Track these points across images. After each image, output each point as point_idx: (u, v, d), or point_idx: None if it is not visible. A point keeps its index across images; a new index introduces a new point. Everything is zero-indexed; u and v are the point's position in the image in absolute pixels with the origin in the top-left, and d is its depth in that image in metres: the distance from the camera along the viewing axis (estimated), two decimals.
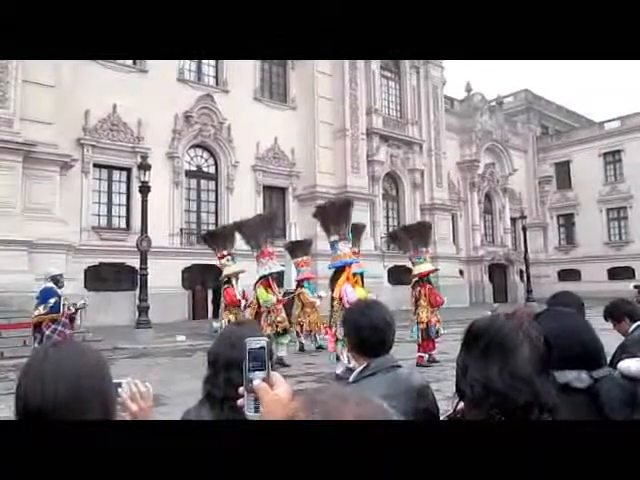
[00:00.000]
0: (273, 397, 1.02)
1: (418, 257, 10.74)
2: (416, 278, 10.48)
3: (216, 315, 13.28)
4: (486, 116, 34.50)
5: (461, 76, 63.39)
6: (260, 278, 10.42)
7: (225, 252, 11.54)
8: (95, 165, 19.31)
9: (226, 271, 11.16)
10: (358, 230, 12.27)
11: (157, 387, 8.50)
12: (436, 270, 10.99)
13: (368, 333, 1.93)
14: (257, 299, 10.41)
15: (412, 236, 11.17)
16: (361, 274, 11.41)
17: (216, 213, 22.30)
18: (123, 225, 19.93)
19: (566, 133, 40.22)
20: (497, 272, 33.54)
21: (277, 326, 10.16)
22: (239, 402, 1.11)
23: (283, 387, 1.06)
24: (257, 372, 1.07)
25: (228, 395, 1.29)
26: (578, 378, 1.59)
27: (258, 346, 1.10)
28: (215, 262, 12.52)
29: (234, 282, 11.08)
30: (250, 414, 1.07)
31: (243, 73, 22.67)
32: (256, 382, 1.05)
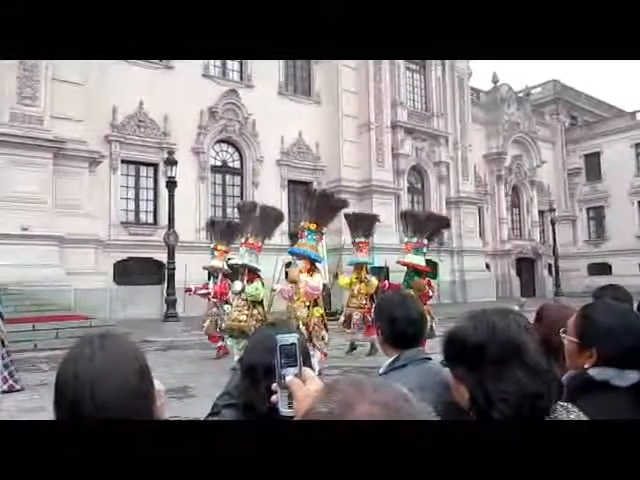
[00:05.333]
0: (306, 393, 1.03)
1: (421, 248, 10.22)
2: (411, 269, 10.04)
3: None
4: (513, 107, 33.89)
5: (487, 67, 62.36)
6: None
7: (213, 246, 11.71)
8: (123, 161, 19.59)
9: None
10: (370, 222, 12.07)
11: (185, 379, 8.64)
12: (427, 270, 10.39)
13: (404, 326, 1.92)
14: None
15: (432, 225, 10.72)
16: (362, 264, 11.41)
17: None
18: (150, 220, 20.20)
19: (596, 124, 39.26)
20: (525, 266, 33.04)
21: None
22: (272, 398, 1.11)
23: (315, 382, 1.06)
24: (289, 368, 1.08)
25: (274, 407, 1.11)
26: (619, 376, 1.49)
27: (289, 342, 1.10)
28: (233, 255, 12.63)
29: (215, 277, 11.27)
30: (284, 410, 1.08)
31: (267, 68, 22.71)
32: (289, 378, 1.06)
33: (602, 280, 26.47)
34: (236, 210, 20.24)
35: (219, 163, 22.35)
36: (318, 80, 25.07)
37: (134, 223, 19.77)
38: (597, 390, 1.46)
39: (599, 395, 1.43)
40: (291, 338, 1.11)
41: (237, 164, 22.83)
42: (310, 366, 1.21)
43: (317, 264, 9.04)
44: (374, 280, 11.19)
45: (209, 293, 11.23)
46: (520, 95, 35.62)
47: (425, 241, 10.29)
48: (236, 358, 9.01)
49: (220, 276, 11.26)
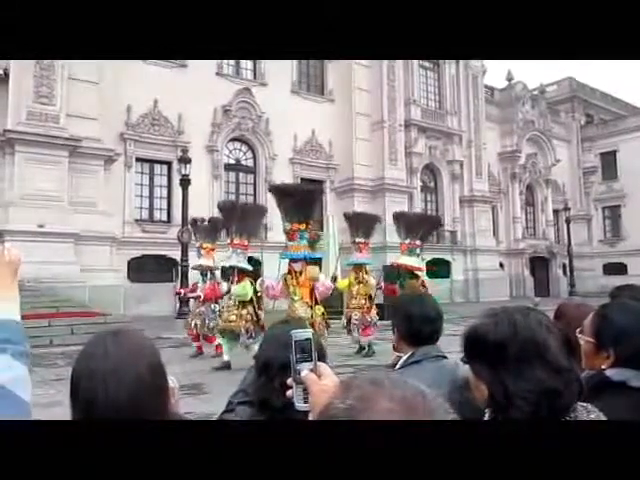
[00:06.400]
0: (321, 388, 1.03)
1: (415, 249, 10.42)
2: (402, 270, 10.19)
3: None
4: (528, 105, 33.59)
5: (502, 65, 61.80)
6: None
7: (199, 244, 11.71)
8: (137, 159, 19.74)
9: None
10: (372, 222, 11.98)
11: (198, 376, 8.67)
12: (419, 270, 10.48)
13: (420, 324, 1.93)
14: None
15: (424, 226, 10.89)
16: (361, 265, 11.33)
17: None
18: (164, 218, 20.34)
19: (612, 122, 38.78)
20: (539, 265, 32.77)
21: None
22: (288, 393, 1.12)
23: (330, 378, 1.07)
24: (304, 363, 1.08)
25: (289, 402, 1.12)
26: (637, 377, 1.48)
27: (304, 337, 1.10)
28: (253, 254, 12.56)
29: (205, 275, 11.25)
30: (299, 405, 1.08)
31: (281, 66, 22.73)
32: (304, 373, 1.07)
33: (617, 280, 26.20)
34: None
35: (232, 161, 22.43)
36: (331, 78, 25.06)
37: (148, 221, 19.92)
38: (614, 391, 1.45)
39: (616, 396, 1.42)
40: (306, 333, 1.11)
41: (250, 162, 22.90)
42: (325, 362, 1.22)
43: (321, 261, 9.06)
44: (372, 280, 11.13)
45: (199, 296, 11.17)
46: (535, 93, 35.28)
47: (418, 242, 10.54)
48: (226, 358, 9.07)
49: (209, 274, 11.22)
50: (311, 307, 8.65)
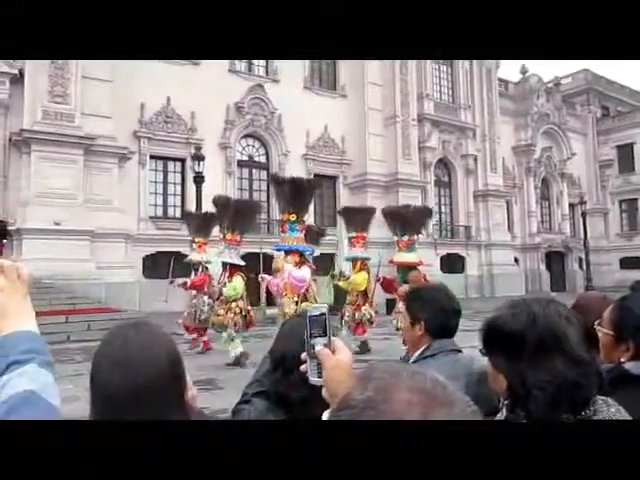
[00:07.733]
0: (335, 362, 1.05)
1: (413, 245, 10.36)
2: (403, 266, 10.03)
3: (269, 303, 13.40)
4: (543, 98, 33.23)
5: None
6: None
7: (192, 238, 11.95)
8: (151, 156, 19.86)
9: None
10: (364, 215, 11.79)
11: (212, 372, 8.70)
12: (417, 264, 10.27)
13: (449, 317, 1.93)
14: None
15: (416, 219, 10.77)
16: (360, 259, 11.00)
17: (267, 202, 22.54)
18: (178, 215, 20.41)
19: (629, 114, 38.22)
20: (555, 260, 32.46)
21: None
22: (302, 367, 1.13)
23: (344, 353, 1.09)
24: (318, 338, 1.09)
25: (307, 396, 1.14)
26: None
27: (318, 313, 1.11)
28: (266, 250, 12.59)
29: (196, 269, 11.43)
30: (313, 379, 1.10)
31: (293, 62, 22.68)
32: (318, 348, 1.08)
33: (635, 274, 25.88)
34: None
35: (245, 158, 22.49)
36: (343, 74, 24.98)
37: (162, 217, 20.05)
38: (633, 384, 1.43)
39: (635, 389, 1.40)
40: (321, 309, 1.12)
41: (263, 159, 22.94)
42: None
43: (308, 255, 9.01)
44: (354, 277, 10.70)
45: (185, 282, 11.39)
46: (550, 86, 34.87)
47: (415, 237, 10.51)
48: (232, 355, 9.11)
49: (200, 268, 11.33)
50: (297, 303, 8.42)
